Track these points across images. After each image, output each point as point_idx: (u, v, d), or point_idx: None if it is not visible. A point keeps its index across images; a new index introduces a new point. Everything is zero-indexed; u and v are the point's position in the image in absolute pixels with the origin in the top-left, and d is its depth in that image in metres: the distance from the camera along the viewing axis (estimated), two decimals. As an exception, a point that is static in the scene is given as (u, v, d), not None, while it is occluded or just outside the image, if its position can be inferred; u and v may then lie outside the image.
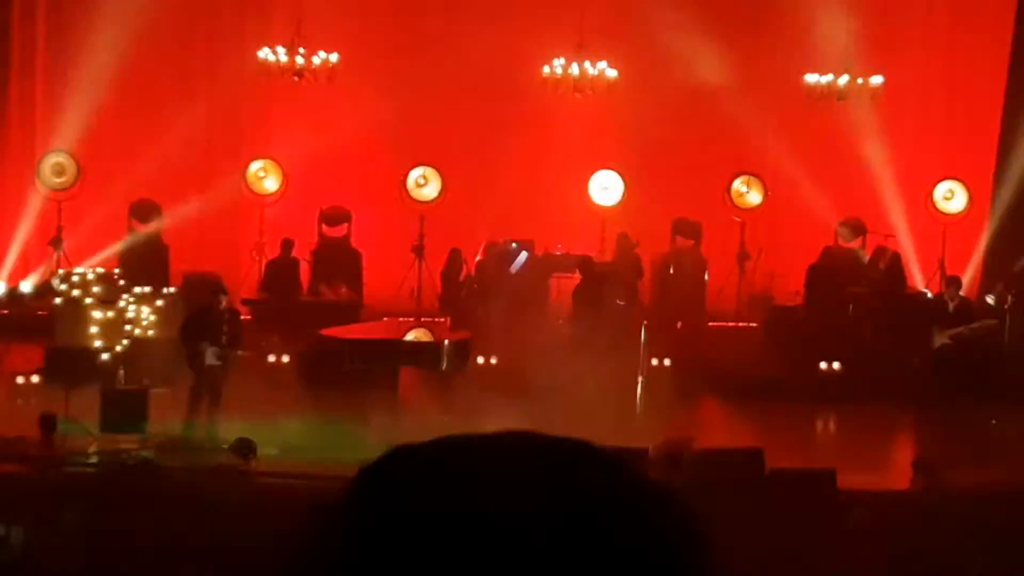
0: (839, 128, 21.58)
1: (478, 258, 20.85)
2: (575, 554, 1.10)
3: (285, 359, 17.81)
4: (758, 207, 21.98)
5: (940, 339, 18.07)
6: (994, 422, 17.32)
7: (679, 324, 20.19)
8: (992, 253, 20.97)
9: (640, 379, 16.60)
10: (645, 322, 18.44)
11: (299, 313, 19.51)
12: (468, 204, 21.36)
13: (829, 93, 20.76)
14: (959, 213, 21.57)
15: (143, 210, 21.01)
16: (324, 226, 21.76)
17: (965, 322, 18.15)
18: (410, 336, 18.05)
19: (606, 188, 21.98)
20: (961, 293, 18.93)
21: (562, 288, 20.58)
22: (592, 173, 21.97)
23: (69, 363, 16.79)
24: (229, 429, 15.65)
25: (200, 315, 16.22)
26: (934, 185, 21.71)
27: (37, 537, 12.09)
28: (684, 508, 1.19)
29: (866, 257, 20.98)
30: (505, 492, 1.13)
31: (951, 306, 18.37)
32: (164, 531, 12.27)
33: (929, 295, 20.36)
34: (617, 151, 21.96)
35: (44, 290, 19.59)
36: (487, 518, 1.10)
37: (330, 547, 1.14)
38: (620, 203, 21.91)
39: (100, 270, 19.38)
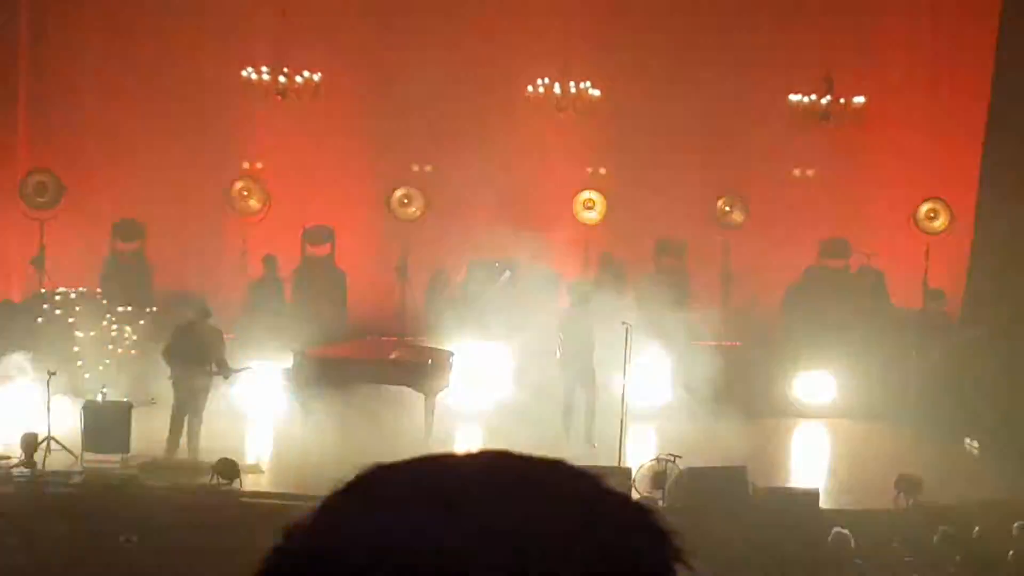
0: (822, 148, 21.62)
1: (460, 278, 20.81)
2: (554, 570, 1.10)
3: (268, 377, 17.75)
4: (741, 227, 22.00)
5: (919, 357, 18.08)
6: (976, 444, 17.33)
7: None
8: (975, 272, 20.98)
9: (624, 398, 16.54)
10: (628, 342, 18.40)
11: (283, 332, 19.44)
12: (451, 223, 21.33)
13: (812, 113, 20.79)
14: (942, 232, 21.61)
15: (126, 229, 20.98)
16: (308, 245, 21.76)
17: (947, 339, 18.15)
18: (393, 355, 18.02)
19: (590, 208, 21.99)
20: (944, 310, 18.95)
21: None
22: (576, 192, 21.98)
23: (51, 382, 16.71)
24: (212, 448, 15.63)
25: (183, 335, 16.17)
26: (917, 204, 21.75)
27: (19, 557, 12.03)
28: (665, 524, 1.19)
29: (850, 276, 21.02)
30: (481, 510, 1.12)
31: (932, 322, 18.38)
32: (146, 551, 12.23)
33: (912, 312, 20.38)
34: (600, 170, 21.97)
35: (26, 310, 19.48)
36: (464, 535, 1.10)
37: (305, 565, 1.13)
38: (604, 222, 21.92)
39: (82, 289, 19.33)
